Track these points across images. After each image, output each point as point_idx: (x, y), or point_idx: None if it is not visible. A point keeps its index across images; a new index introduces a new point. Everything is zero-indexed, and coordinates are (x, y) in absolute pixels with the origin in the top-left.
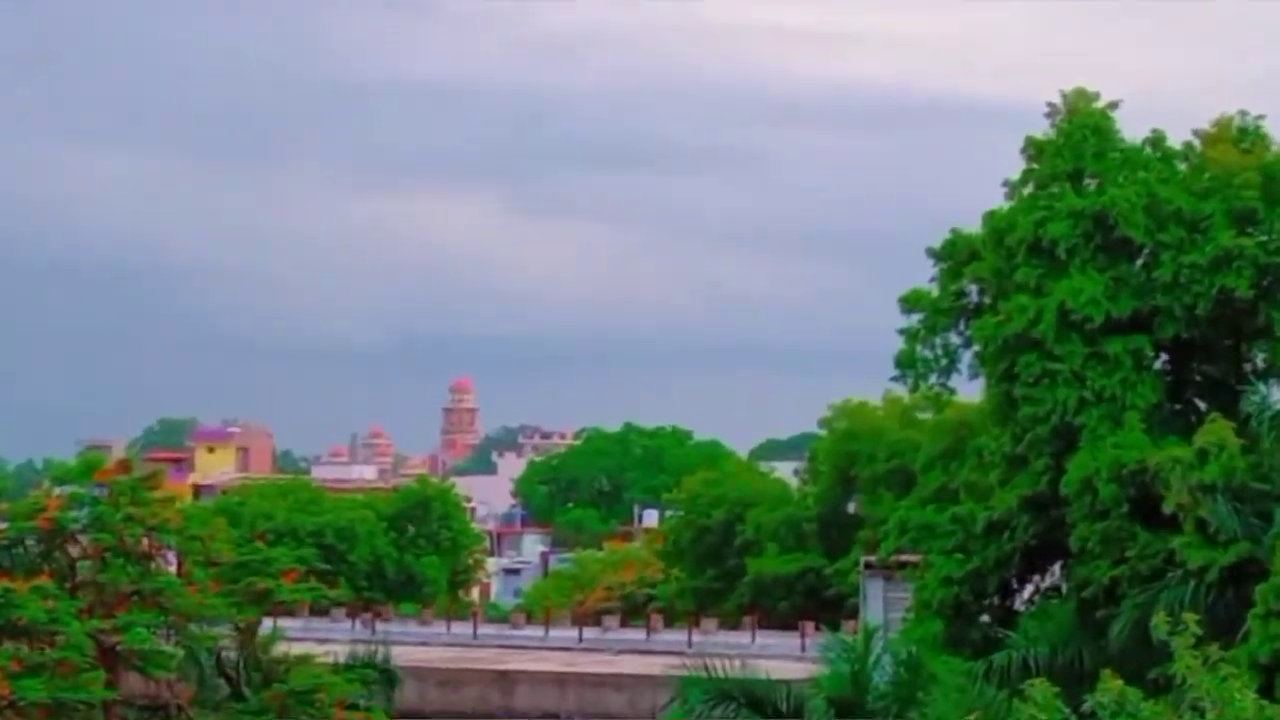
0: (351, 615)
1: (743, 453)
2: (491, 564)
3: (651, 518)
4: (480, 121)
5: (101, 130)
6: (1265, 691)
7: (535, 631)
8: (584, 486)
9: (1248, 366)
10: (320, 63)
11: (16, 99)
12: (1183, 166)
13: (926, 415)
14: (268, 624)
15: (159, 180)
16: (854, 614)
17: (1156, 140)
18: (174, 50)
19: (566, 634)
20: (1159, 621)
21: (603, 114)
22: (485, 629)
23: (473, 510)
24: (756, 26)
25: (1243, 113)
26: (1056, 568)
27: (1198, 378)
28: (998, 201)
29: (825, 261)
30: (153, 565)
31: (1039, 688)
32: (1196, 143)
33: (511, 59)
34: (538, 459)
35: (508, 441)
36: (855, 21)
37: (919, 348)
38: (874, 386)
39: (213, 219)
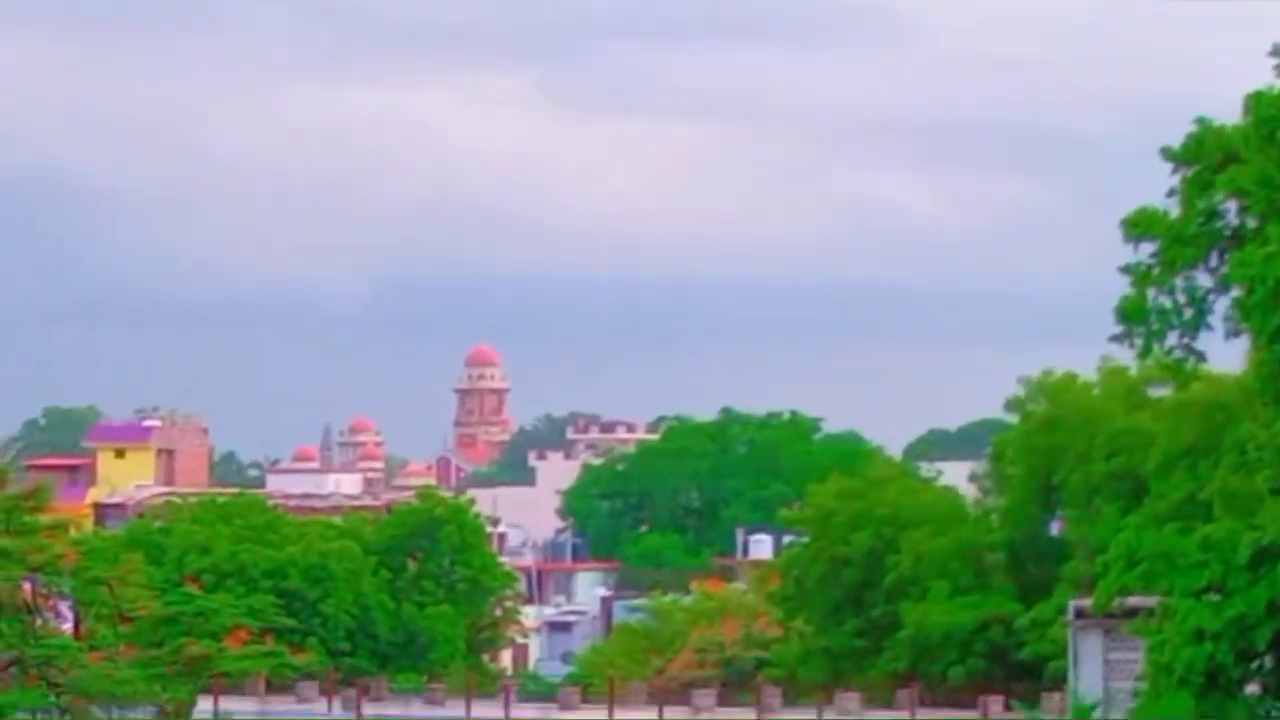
0: (327, 692)
1: (895, 450)
2: (531, 616)
3: (763, 546)
4: None
5: None
6: None
7: (595, 714)
8: (664, 502)
9: None
10: None
11: None
12: None
13: (1163, 393)
14: (206, 706)
15: (18, 64)
16: (1060, 683)
17: None
18: None
19: (641, 716)
20: None
21: None
22: (522, 710)
23: (502, 538)
24: None
25: None
26: None
27: None
28: (1265, 80)
29: (1005, 172)
30: (39, 622)
31: None
32: None
33: None
34: (596, 462)
35: (552, 438)
36: None
37: (1151, 294)
38: (1085, 353)
39: (104, 119)
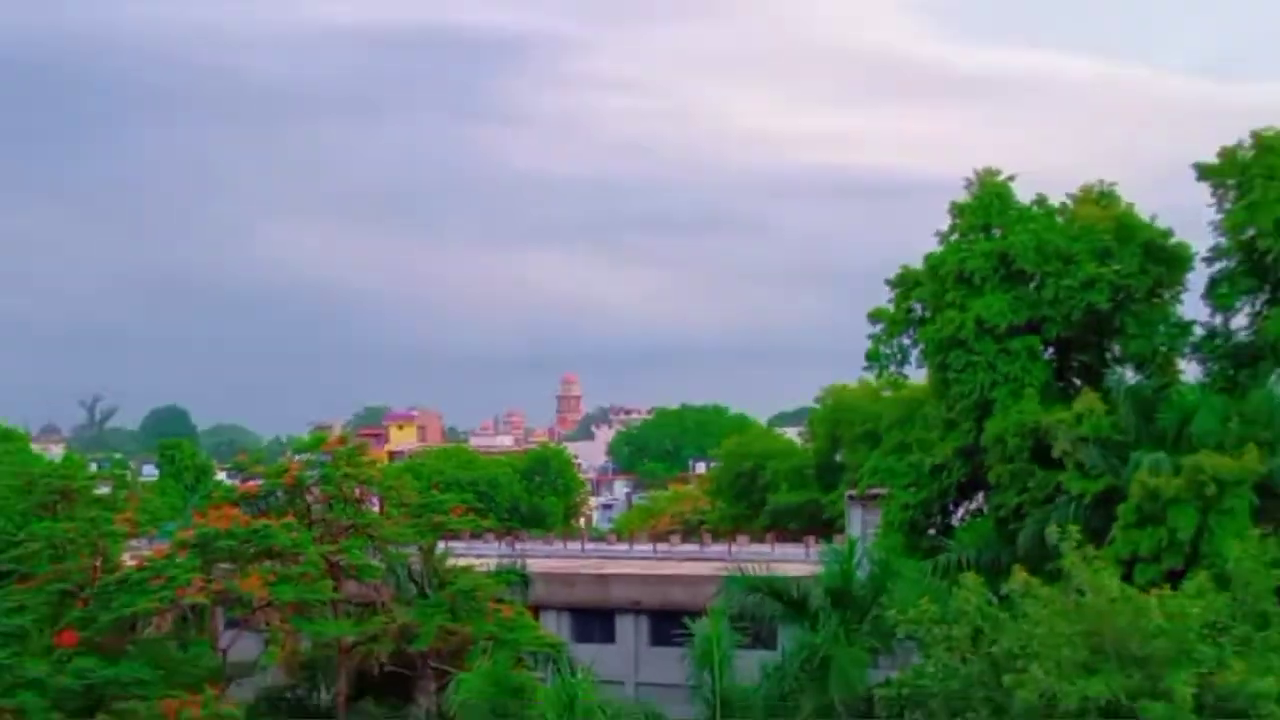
0: (498, 538)
1: (763, 421)
2: (593, 502)
3: (702, 468)
4: (575, 201)
5: (306, 205)
6: (1126, 578)
7: (623, 546)
8: (655, 448)
9: (1109, 356)
10: (455, 157)
11: (248, 183)
12: (1060, 219)
13: (888, 393)
14: (441, 545)
15: (351, 244)
16: (842, 531)
17: (1040, 201)
18: (350, 149)
19: (645, 548)
20: (1052, 531)
21: (662, 194)
22: (589, 545)
23: (579, 466)
24: (747, 132)
25: (1101, 180)
26: (980, 496)
27: (1074, 364)
28: (934, 247)
29: (817, 291)
30: (363, 507)
31: (969, 579)
32: (1069, 202)
33: (585, 158)
34: (623, 429)
35: (602, 418)
36: (810, 123)
37: (881, 347)
38: (852, 374)
39: (382, 267)
